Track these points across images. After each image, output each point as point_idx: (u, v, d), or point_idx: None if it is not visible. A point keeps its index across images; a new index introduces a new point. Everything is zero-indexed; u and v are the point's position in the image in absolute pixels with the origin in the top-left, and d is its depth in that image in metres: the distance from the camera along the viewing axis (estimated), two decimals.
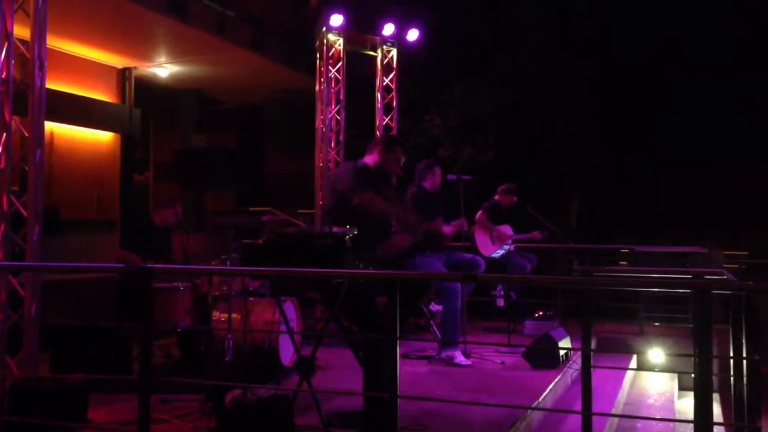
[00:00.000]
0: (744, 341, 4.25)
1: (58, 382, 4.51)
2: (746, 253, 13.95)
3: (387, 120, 9.69)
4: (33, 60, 5.11)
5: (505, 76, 13.06)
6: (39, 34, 5.15)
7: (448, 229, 6.81)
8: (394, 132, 9.62)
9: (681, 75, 15.78)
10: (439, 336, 6.93)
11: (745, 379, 4.23)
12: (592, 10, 14.54)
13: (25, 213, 5.04)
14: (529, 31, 13.55)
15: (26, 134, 5.12)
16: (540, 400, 5.38)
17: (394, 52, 9.61)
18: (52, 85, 7.66)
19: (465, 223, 6.98)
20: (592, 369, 4.04)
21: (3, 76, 5.04)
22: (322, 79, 9.16)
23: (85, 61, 9.69)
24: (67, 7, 7.27)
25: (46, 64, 5.20)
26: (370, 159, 4.95)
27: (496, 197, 8.52)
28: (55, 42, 8.63)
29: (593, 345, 6.64)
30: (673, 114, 15.92)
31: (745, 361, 4.22)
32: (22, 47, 5.16)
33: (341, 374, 5.70)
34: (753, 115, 15.77)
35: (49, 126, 8.38)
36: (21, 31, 5.16)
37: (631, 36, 15.02)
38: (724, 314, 5.23)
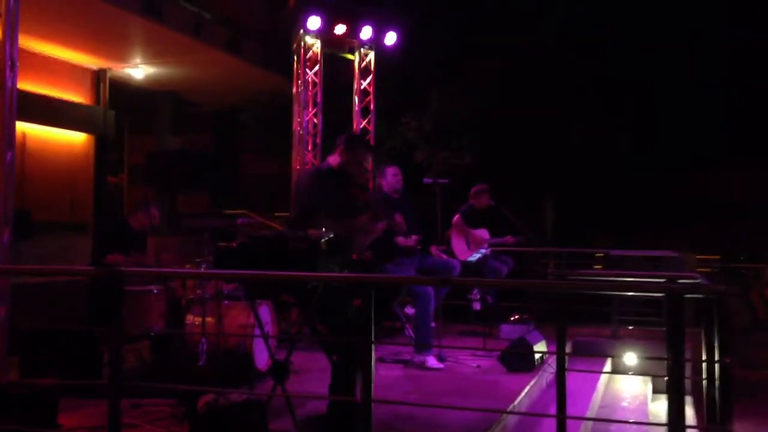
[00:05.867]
0: (716, 344, 4.29)
1: (28, 387, 4.43)
2: (718, 257, 14.13)
3: (364, 123, 9.68)
4: (4, 60, 5.04)
5: (481, 80, 13.11)
6: (11, 35, 5.09)
7: (406, 242, 6.59)
8: (371, 135, 9.61)
9: (656, 80, 15.95)
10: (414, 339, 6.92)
11: (717, 381, 4.27)
12: (570, 14, 14.66)
13: None
14: (506, 35, 13.62)
15: None
16: (515, 403, 5.39)
17: (371, 56, 9.60)
18: (24, 86, 7.56)
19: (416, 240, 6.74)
20: (566, 372, 4.06)
21: None
22: (299, 82, 9.13)
23: (59, 62, 9.59)
24: (40, 7, 7.19)
25: (18, 64, 5.14)
26: (333, 159, 4.90)
27: (471, 201, 8.54)
28: (27, 42, 8.52)
29: (568, 348, 6.68)
30: (648, 119, 16.07)
31: (717, 364, 4.25)
32: None
33: (316, 378, 5.66)
34: (728, 121, 15.98)
35: (21, 127, 8.28)
36: None
37: (608, 40, 15.14)
38: (697, 317, 5.27)
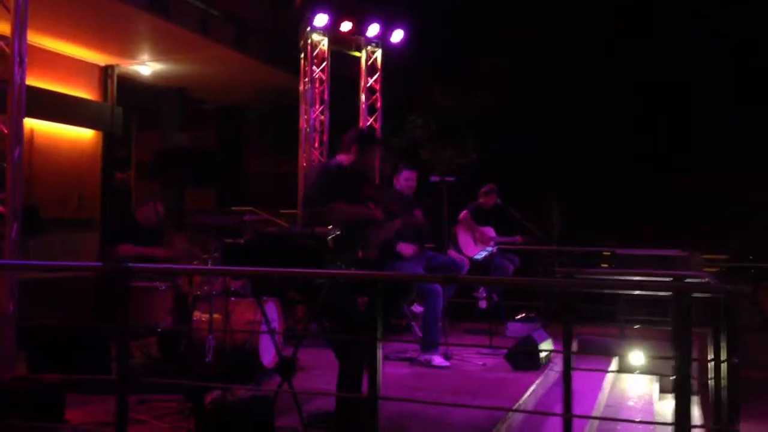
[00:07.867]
0: (723, 344, 4.27)
1: (35, 382, 4.45)
2: (726, 256, 14.09)
3: (371, 121, 9.69)
4: (13, 56, 5.06)
5: (486, 79, 13.11)
6: (19, 30, 5.11)
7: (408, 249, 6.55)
8: (377, 134, 9.61)
9: (661, 80, 15.90)
10: (420, 337, 6.92)
11: (724, 381, 4.26)
12: (573, 15, 14.63)
13: (3, 211, 4.98)
14: (511, 36, 13.61)
15: (5, 131, 5.07)
16: (521, 401, 5.38)
17: (378, 53, 9.60)
18: (32, 81, 7.57)
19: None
20: (572, 371, 4.05)
21: None
22: (306, 79, 9.13)
23: (67, 58, 9.62)
24: (48, 3, 7.20)
25: (26, 60, 5.15)
26: (344, 158, 4.81)
27: (480, 200, 8.53)
28: (36, 38, 8.54)
29: (574, 347, 6.66)
30: (654, 119, 16.03)
31: (724, 364, 4.24)
32: (1, 43, 5.11)
33: (322, 375, 5.67)
34: (733, 121, 15.92)
35: (30, 123, 8.30)
36: (1, 26, 5.10)
37: (611, 40, 15.11)
38: (704, 317, 5.26)
